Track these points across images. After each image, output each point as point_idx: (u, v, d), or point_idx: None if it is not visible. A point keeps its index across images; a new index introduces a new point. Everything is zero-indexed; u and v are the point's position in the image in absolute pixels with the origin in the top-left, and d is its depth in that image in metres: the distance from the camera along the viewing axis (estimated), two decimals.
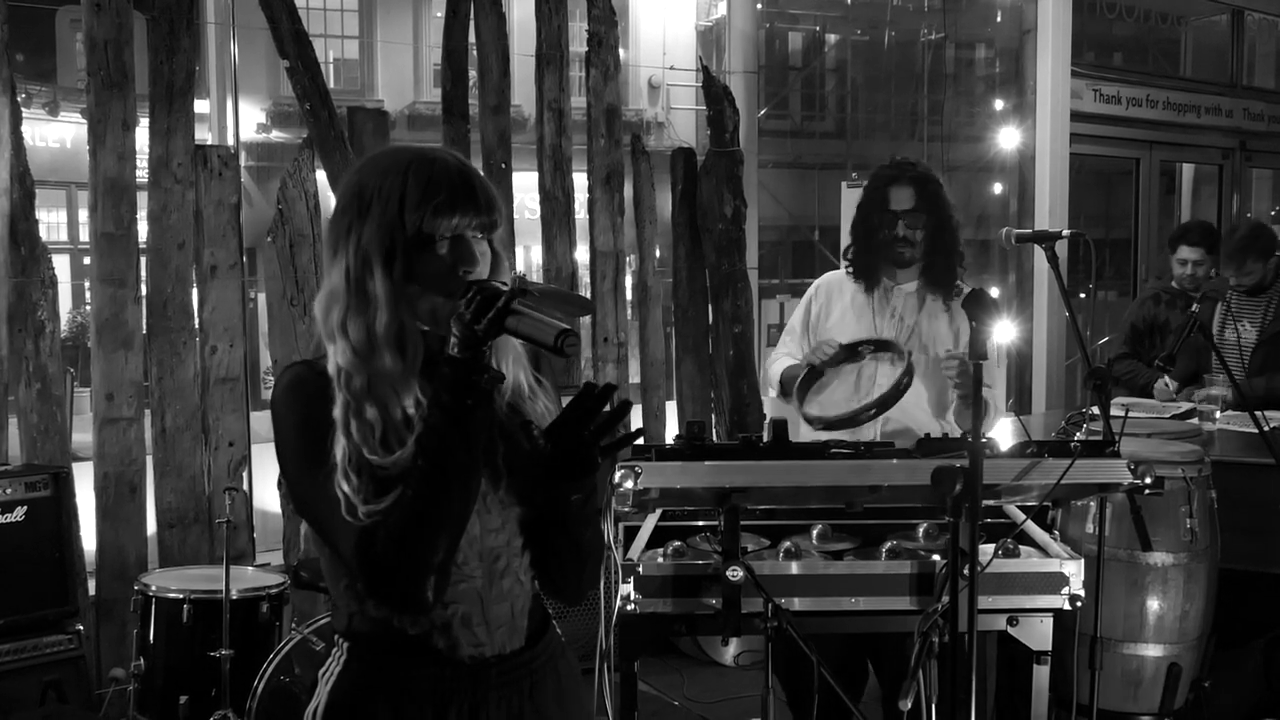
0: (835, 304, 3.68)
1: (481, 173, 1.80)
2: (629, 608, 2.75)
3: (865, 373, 3.50)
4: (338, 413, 1.69)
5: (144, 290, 4.57)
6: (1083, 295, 8.46)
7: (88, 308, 7.86)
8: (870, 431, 3.43)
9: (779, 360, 3.75)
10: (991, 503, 3.01)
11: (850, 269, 3.67)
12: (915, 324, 3.55)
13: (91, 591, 4.46)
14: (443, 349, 1.67)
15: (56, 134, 13.47)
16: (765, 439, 2.82)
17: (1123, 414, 3.31)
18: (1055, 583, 2.80)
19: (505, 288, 1.67)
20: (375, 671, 1.80)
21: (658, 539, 2.98)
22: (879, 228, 3.53)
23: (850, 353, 3.45)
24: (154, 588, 3.84)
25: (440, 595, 1.71)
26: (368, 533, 1.64)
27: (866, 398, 3.44)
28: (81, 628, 4.09)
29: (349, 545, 1.66)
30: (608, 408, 1.75)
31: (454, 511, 1.67)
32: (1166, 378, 5.41)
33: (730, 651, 4.89)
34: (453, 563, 1.71)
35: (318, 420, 1.70)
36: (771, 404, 3.69)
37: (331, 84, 5.36)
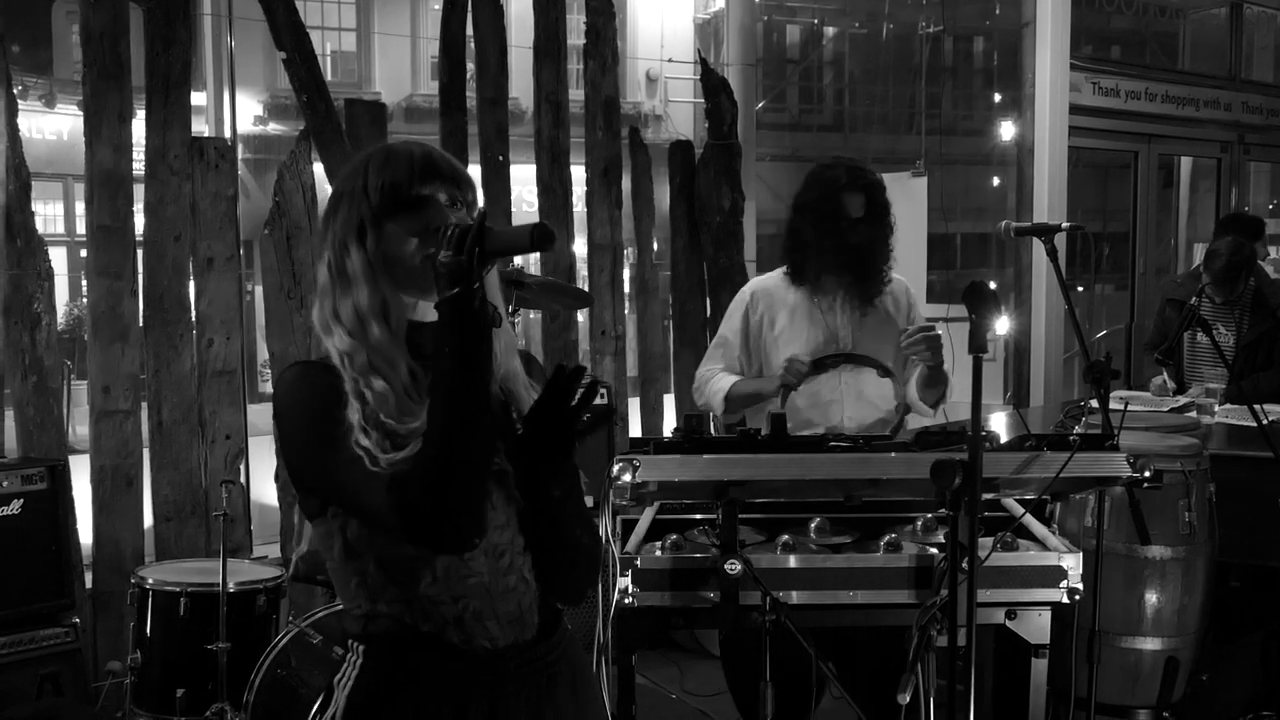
0: (778, 311, 3.63)
1: (445, 153, 1.86)
2: (627, 601, 2.75)
3: (829, 380, 3.54)
4: (348, 387, 1.73)
5: (140, 283, 4.56)
6: (1081, 288, 8.47)
7: (84, 300, 7.85)
8: (849, 424, 3.47)
9: (719, 377, 3.70)
10: (990, 496, 3.01)
11: (790, 273, 3.62)
12: (860, 318, 3.55)
13: (88, 584, 4.45)
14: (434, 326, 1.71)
15: (53, 126, 13.46)
16: (763, 432, 2.82)
17: (1121, 407, 3.30)
18: (1054, 576, 2.80)
19: (475, 217, 1.70)
20: (393, 672, 1.80)
21: (655, 532, 2.98)
22: (831, 234, 3.49)
23: (818, 367, 3.47)
24: (151, 581, 3.83)
25: (481, 533, 1.74)
26: (397, 480, 1.66)
27: (837, 401, 3.53)
28: (78, 621, 4.08)
29: (379, 497, 1.67)
30: (582, 390, 1.77)
31: (475, 449, 1.68)
32: (1165, 374, 5.44)
33: None
34: (486, 505, 1.74)
35: (326, 401, 1.72)
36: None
37: (329, 76, 5.34)
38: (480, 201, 1.86)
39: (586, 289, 5.77)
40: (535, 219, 5.80)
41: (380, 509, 1.67)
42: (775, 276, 3.68)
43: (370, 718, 1.81)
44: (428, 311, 1.77)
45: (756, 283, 3.77)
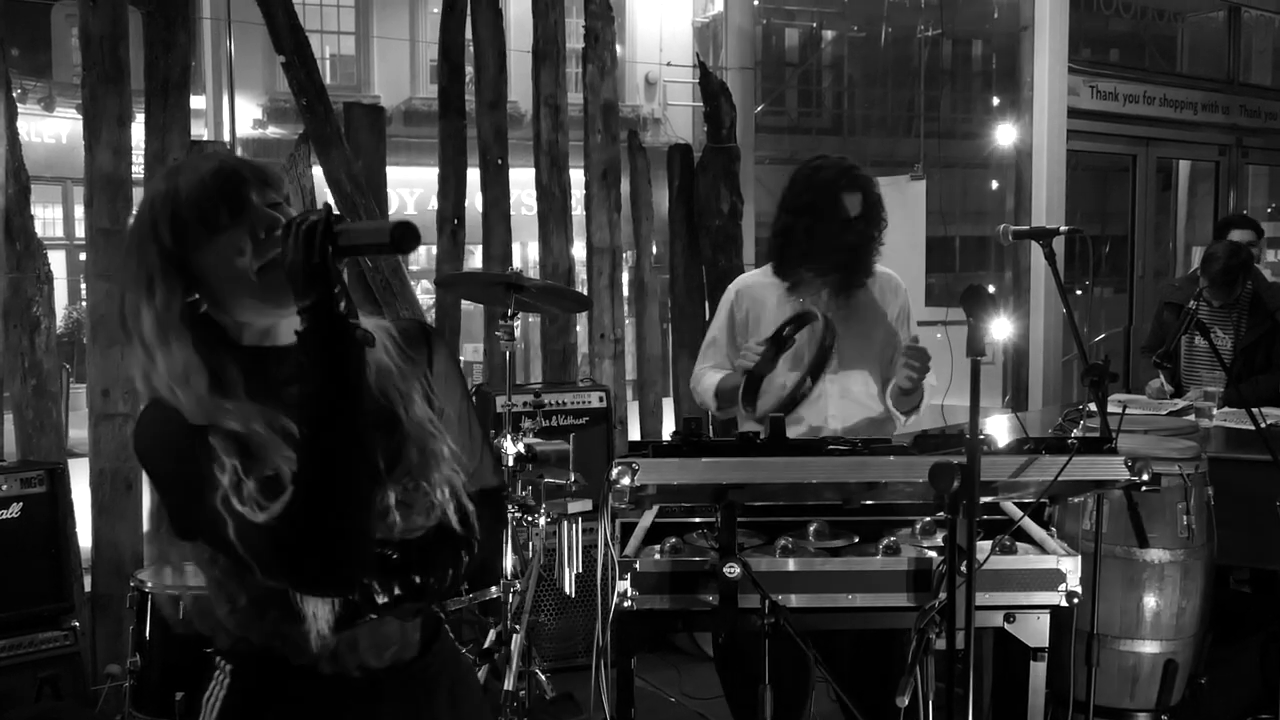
0: (763, 308, 3.61)
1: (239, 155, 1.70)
2: (626, 604, 2.74)
3: (795, 355, 3.48)
4: (217, 443, 1.56)
5: None
6: (1079, 292, 8.48)
7: (83, 303, 7.85)
8: (835, 423, 3.46)
9: (708, 374, 3.70)
10: (988, 499, 3.01)
11: (779, 271, 3.61)
12: (846, 312, 3.54)
13: (87, 587, 4.45)
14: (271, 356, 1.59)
15: (52, 129, 13.45)
16: (762, 435, 2.82)
17: (1120, 411, 3.31)
18: (1052, 579, 2.80)
19: (320, 210, 1.52)
20: (262, 692, 1.72)
21: (654, 535, 2.98)
22: (829, 235, 3.46)
23: (776, 343, 3.41)
24: (150, 584, 3.82)
25: (368, 567, 1.61)
26: (276, 531, 1.51)
27: (817, 400, 3.46)
28: (77, 624, 4.09)
29: (260, 551, 1.53)
30: None
31: (356, 474, 1.53)
32: (1162, 377, 5.45)
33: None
34: (372, 537, 1.60)
35: (189, 449, 1.56)
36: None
37: (328, 79, 5.35)
38: (292, 197, 1.70)
39: (585, 292, 5.78)
40: (535, 223, 5.83)
41: (263, 560, 1.54)
42: (760, 274, 3.68)
43: None
44: (276, 336, 1.66)
45: (741, 280, 3.76)
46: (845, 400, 3.53)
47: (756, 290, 3.65)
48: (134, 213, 1.72)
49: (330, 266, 1.49)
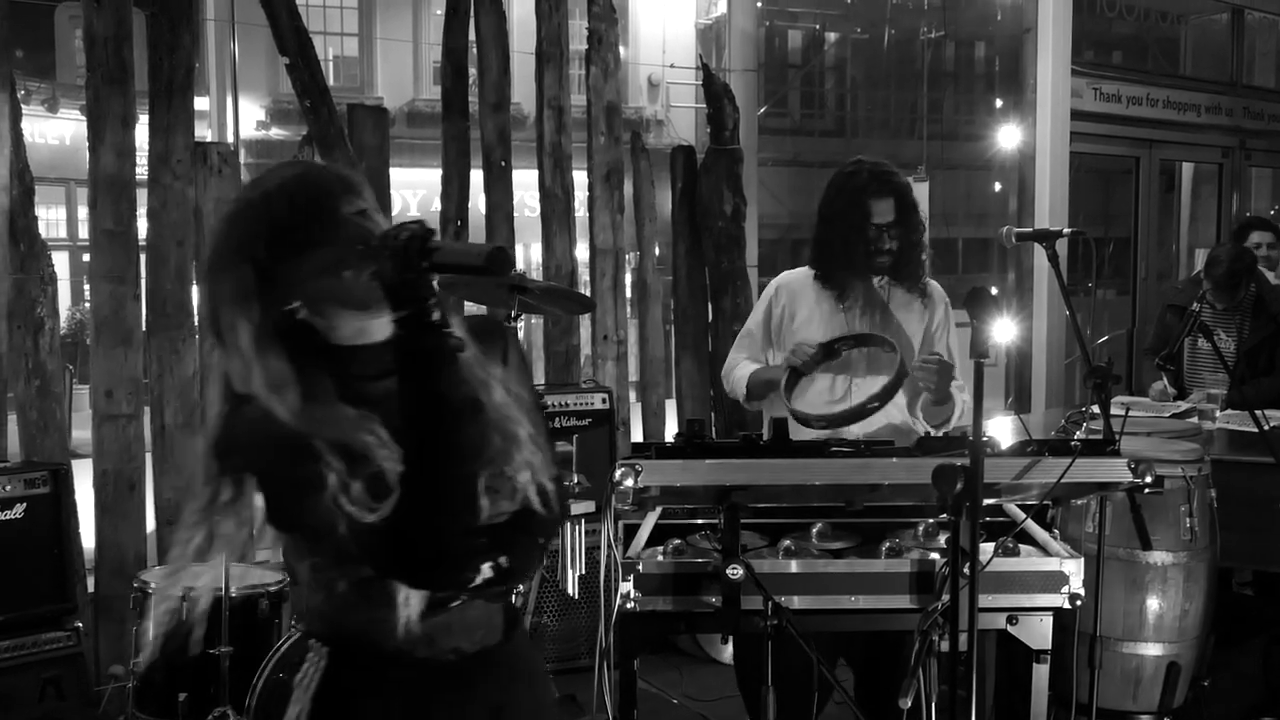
0: (800, 305, 3.61)
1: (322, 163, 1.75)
2: (629, 606, 2.75)
3: (839, 369, 3.49)
4: (319, 444, 1.61)
5: (143, 287, 4.57)
6: (1082, 294, 8.48)
7: (87, 305, 7.87)
8: (856, 430, 3.45)
9: (742, 365, 3.69)
10: (991, 501, 3.01)
11: (819, 276, 3.59)
12: (884, 320, 3.54)
13: (90, 588, 4.46)
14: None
15: (55, 130, 13.46)
16: (765, 437, 2.82)
17: (1123, 413, 3.31)
18: (1055, 581, 2.80)
19: (416, 225, 1.56)
20: (356, 675, 1.78)
21: (657, 537, 2.98)
22: (860, 241, 3.45)
23: (828, 352, 3.41)
24: (154, 585, 3.83)
25: (477, 561, 1.66)
26: (386, 531, 1.57)
27: (848, 393, 3.45)
28: (80, 624, 4.09)
29: (375, 551, 1.60)
30: None
31: (460, 471, 1.59)
32: (1165, 379, 5.45)
33: (729, 651, 4.89)
34: (478, 530, 1.65)
35: (295, 444, 1.61)
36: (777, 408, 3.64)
37: (331, 81, 5.36)
38: (435, 205, 1.78)
39: (588, 294, 5.78)
40: (538, 224, 5.84)
41: (375, 557, 1.61)
42: (803, 272, 3.67)
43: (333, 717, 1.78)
44: (369, 333, 1.70)
45: (784, 276, 3.75)
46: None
47: (796, 287, 3.64)
48: (223, 217, 1.74)
49: (425, 281, 1.53)
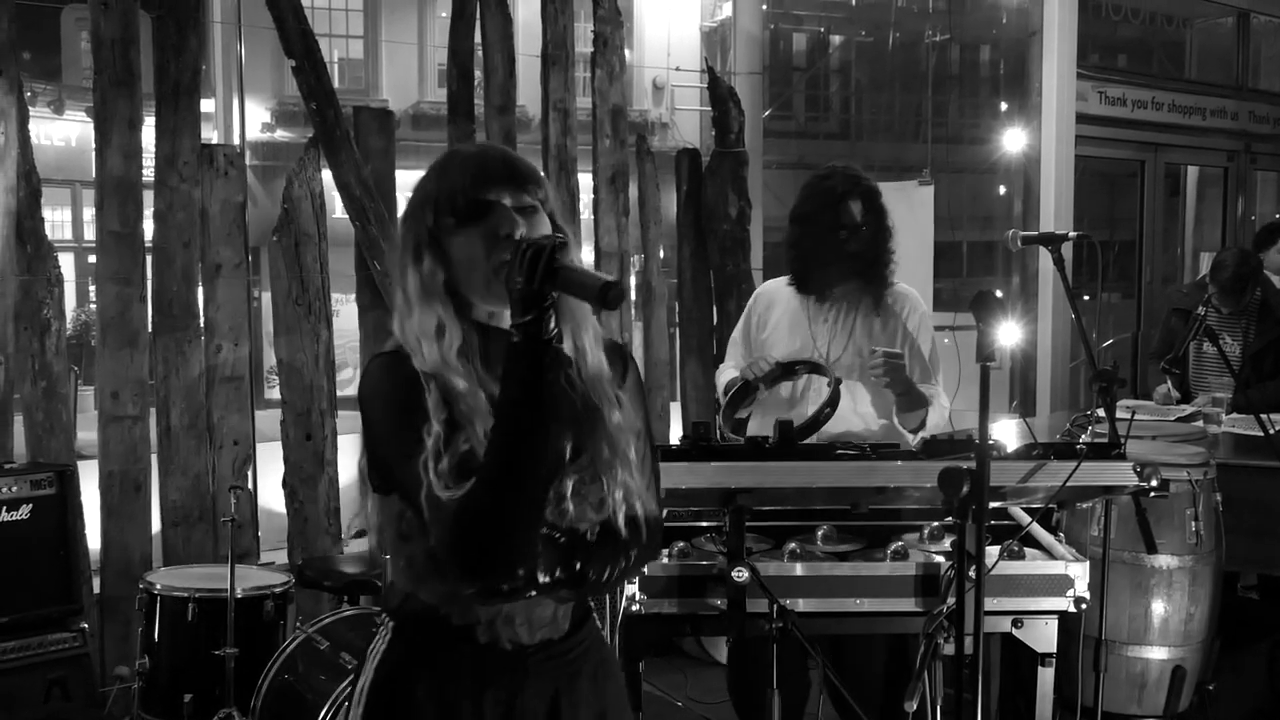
0: (772, 314, 3.65)
1: (506, 151, 1.86)
2: (634, 608, 2.75)
3: (799, 384, 3.51)
4: (431, 402, 1.71)
5: (149, 289, 4.58)
6: (1087, 297, 8.48)
7: (92, 306, 7.88)
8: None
9: (726, 371, 3.74)
10: (997, 505, 3.01)
11: (795, 281, 3.61)
12: (851, 327, 3.55)
13: (96, 589, 4.46)
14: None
15: (61, 132, 13.50)
16: (771, 440, 2.82)
17: (1128, 416, 3.31)
18: (1060, 585, 2.80)
19: (555, 238, 1.68)
20: (419, 652, 1.84)
21: (663, 539, 2.98)
22: (833, 244, 3.47)
23: (786, 371, 3.45)
24: (159, 586, 3.84)
25: (529, 569, 1.72)
26: (454, 510, 1.65)
27: (804, 393, 3.51)
28: (86, 625, 4.09)
29: (438, 523, 1.67)
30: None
31: (533, 488, 1.68)
32: (1169, 382, 5.45)
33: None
34: (537, 541, 1.72)
35: (407, 403, 1.72)
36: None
37: (336, 83, 5.36)
38: (551, 197, 1.85)
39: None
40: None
41: (437, 532, 1.68)
42: (783, 280, 3.69)
43: (392, 693, 1.85)
44: (501, 318, 1.78)
45: (765, 285, 3.79)
46: (838, 421, 3.51)
47: (773, 295, 3.68)
48: (424, 174, 1.88)
49: (545, 294, 1.63)
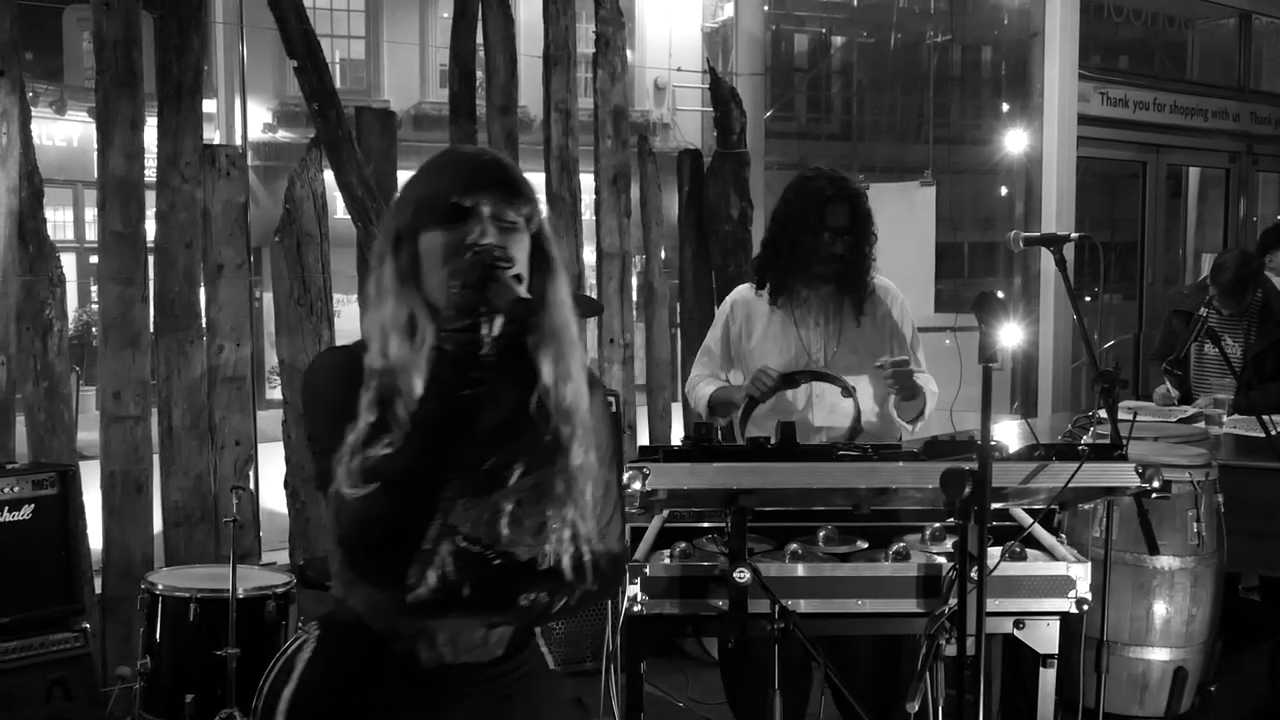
0: (755, 323, 3.63)
1: (503, 160, 1.81)
2: (635, 609, 2.75)
3: (803, 393, 3.54)
4: (364, 399, 1.68)
5: (151, 289, 4.58)
6: (1089, 298, 8.48)
7: (94, 306, 7.88)
8: (816, 436, 3.49)
9: (704, 382, 3.73)
10: (999, 506, 3.01)
11: (761, 286, 3.61)
12: (839, 328, 3.55)
13: (98, 589, 4.46)
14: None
15: (63, 132, 13.51)
16: (773, 441, 2.82)
17: (1130, 418, 3.30)
18: (1062, 586, 2.80)
19: (499, 249, 1.65)
20: (342, 663, 1.81)
21: (664, 540, 2.98)
22: (815, 247, 3.47)
23: (788, 381, 3.46)
24: (160, 586, 3.84)
25: (418, 580, 1.66)
26: (352, 512, 1.62)
27: (810, 401, 3.54)
28: (88, 625, 4.09)
29: (338, 523, 1.65)
30: None
31: (431, 496, 1.64)
32: (1168, 383, 5.45)
33: None
34: (429, 546, 1.67)
35: (340, 399, 1.69)
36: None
37: (338, 84, 5.36)
38: (543, 219, 1.79)
39: (595, 297, 5.78)
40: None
41: (335, 533, 1.66)
42: (753, 287, 3.69)
43: (318, 699, 1.81)
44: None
45: (737, 292, 3.77)
46: (834, 414, 3.53)
47: (751, 303, 3.67)
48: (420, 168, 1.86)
49: (479, 303, 1.61)
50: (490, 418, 1.69)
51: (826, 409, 3.54)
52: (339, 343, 4.41)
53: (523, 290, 1.65)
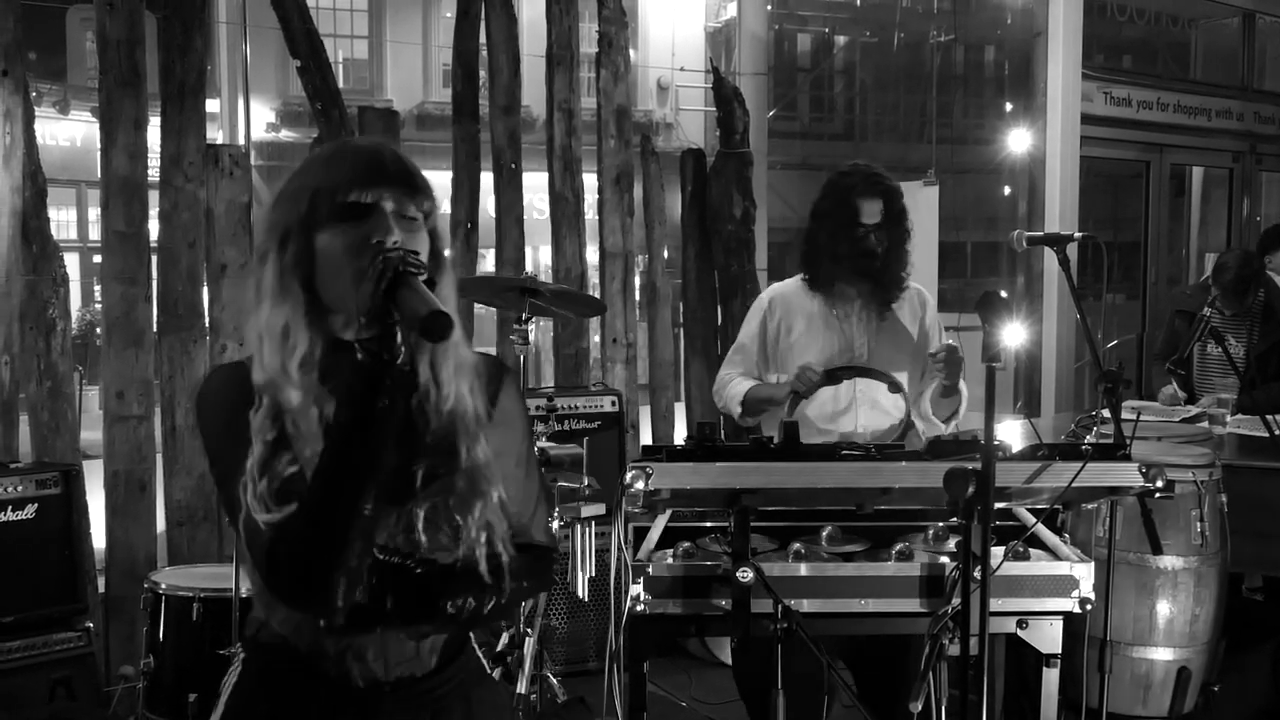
0: (795, 319, 3.64)
1: (400, 154, 1.73)
2: (638, 608, 2.75)
3: (843, 388, 3.54)
4: (255, 420, 1.61)
5: (155, 289, 4.58)
6: (1092, 298, 8.47)
7: (97, 306, 7.89)
8: (857, 433, 3.52)
9: (736, 381, 3.72)
10: (1002, 505, 3.01)
11: (807, 279, 3.63)
12: (877, 326, 3.57)
13: (101, 589, 4.46)
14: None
15: (66, 132, 13.51)
16: (776, 440, 2.82)
17: (1133, 417, 3.30)
18: (1065, 586, 2.79)
19: (411, 254, 1.58)
20: (268, 685, 1.75)
21: (667, 540, 2.98)
22: (847, 240, 3.49)
23: (830, 378, 3.47)
24: (164, 586, 3.84)
25: (345, 599, 1.60)
26: (269, 538, 1.56)
27: (853, 402, 3.54)
28: (91, 625, 4.09)
29: (254, 550, 1.58)
30: None
31: (353, 512, 1.56)
32: (1174, 383, 5.44)
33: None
34: (353, 563, 1.59)
35: (234, 420, 1.62)
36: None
37: (341, 83, 5.36)
38: (437, 215, 1.72)
39: (598, 296, 5.78)
40: (547, 227, 5.84)
41: (255, 557, 1.59)
42: (794, 283, 3.69)
43: None
44: (358, 332, 1.67)
45: (775, 289, 3.77)
46: (875, 410, 3.56)
47: (790, 299, 3.67)
48: (308, 158, 1.79)
49: (389, 311, 1.53)
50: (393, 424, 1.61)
51: (869, 405, 3.55)
52: None
53: (440, 302, 1.54)
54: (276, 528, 1.55)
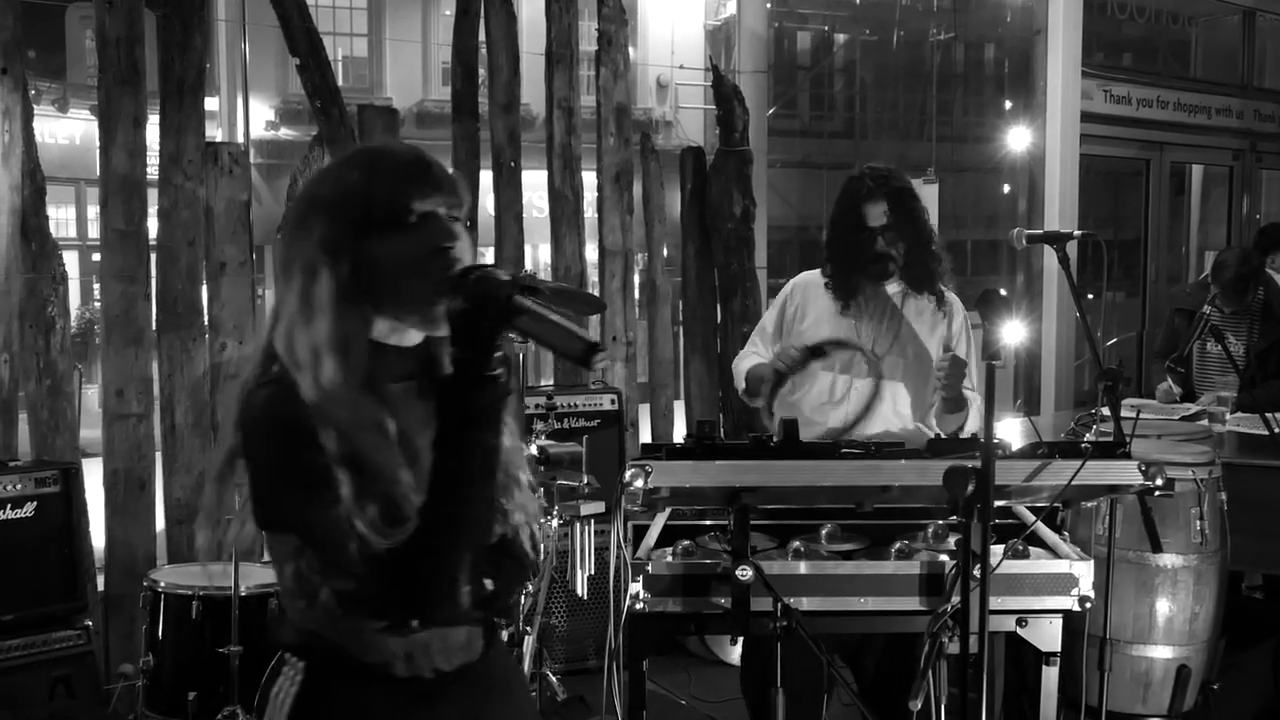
0: (811, 306, 3.62)
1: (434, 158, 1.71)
2: (638, 606, 2.75)
3: (839, 380, 3.50)
4: (331, 447, 1.55)
5: (154, 287, 4.58)
6: (1092, 296, 8.47)
7: (96, 304, 7.88)
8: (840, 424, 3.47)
9: (748, 358, 3.72)
10: (1002, 504, 3.01)
11: (829, 284, 3.60)
12: (897, 329, 3.53)
13: (100, 587, 4.47)
14: (414, 358, 1.61)
15: (66, 130, 13.49)
16: (776, 438, 2.82)
17: (1133, 415, 3.30)
18: (1065, 584, 2.79)
19: (508, 276, 1.54)
20: (336, 693, 1.72)
21: (667, 538, 2.98)
22: (857, 246, 3.47)
23: (814, 353, 3.43)
24: (163, 584, 3.84)
25: (458, 606, 1.63)
26: (394, 562, 1.55)
27: (848, 394, 3.48)
28: (90, 623, 4.10)
29: (377, 576, 1.56)
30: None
31: (476, 532, 1.60)
32: (1170, 380, 5.45)
33: (737, 652, 4.90)
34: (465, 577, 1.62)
35: (302, 449, 1.56)
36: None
37: (341, 82, 5.36)
38: (455, 207, 1.70)
39: (598, 294, 5.78)
40: (547, 225, 5.84)
41: (377, 583, 1.57)
42: (819, 273, 3.67)
43: None
44: (402, 335, 1.67)
45: (802, 276, 3.74)
46: (889, 419, 3.51)
47: (811, 288, 3.65)
48: (320, 173, 1.75)
49: (496, 332, 1.50)
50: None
51: (882, 416, 3.51)
52: None
53: (581, 329, 1.51)
54: (404, 549, 1.53)
